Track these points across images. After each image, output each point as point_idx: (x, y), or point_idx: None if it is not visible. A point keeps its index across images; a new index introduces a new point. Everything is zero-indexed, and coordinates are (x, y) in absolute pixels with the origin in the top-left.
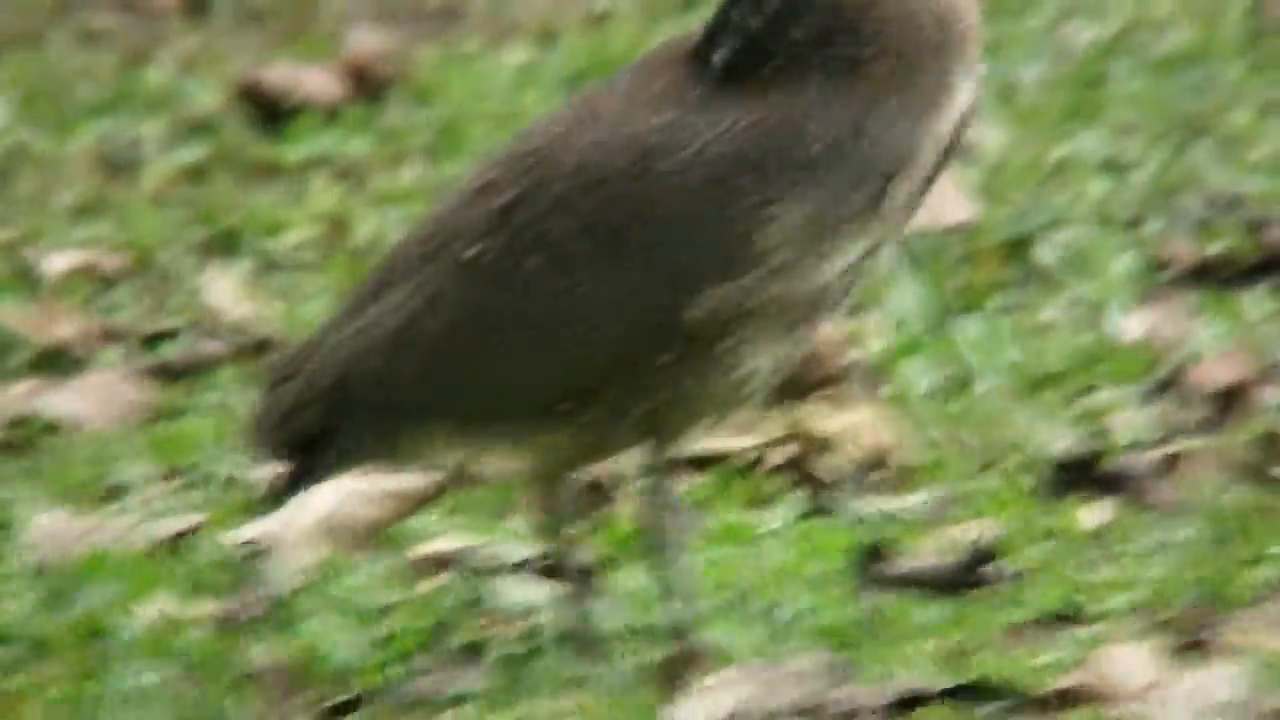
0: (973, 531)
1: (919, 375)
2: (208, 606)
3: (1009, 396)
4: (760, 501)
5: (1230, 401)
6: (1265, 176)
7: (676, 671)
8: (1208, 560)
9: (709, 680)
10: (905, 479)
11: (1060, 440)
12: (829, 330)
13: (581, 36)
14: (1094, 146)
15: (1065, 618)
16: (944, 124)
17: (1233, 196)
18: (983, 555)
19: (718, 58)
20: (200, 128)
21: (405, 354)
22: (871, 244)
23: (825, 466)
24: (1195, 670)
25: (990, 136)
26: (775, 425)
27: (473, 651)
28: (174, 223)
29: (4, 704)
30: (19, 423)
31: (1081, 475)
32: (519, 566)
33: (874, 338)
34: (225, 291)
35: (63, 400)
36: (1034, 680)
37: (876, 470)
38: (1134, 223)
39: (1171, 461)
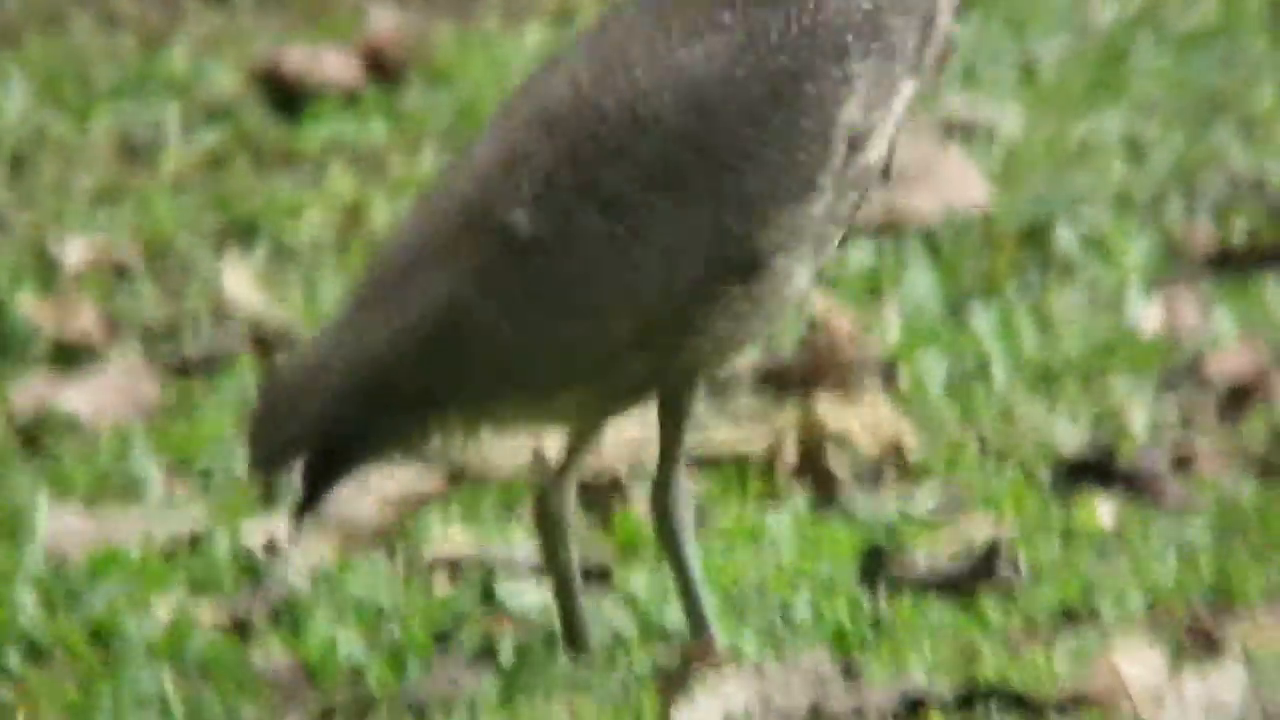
0: (984, 529)
1: (933, 367)
2: (218, 608)
3: (1022, 390)
4: (771, 499)
5: (1246, 393)
6: None
7: (684, 672)
8: (1219, 559)
9: (717, 680)
10: (917, 475)
11: (1074, 435)
12: (841, 322)
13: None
14: (1115, 125)
15: (1075, 617)
16: None
17: (1255, 179)
18: (994, 554)
19: None
20: (219, 112)
21: (451, 339)
22: (909, 101)
23: (836, 463)
24: (1205, 670)
25: (1009, 116)
26: (786, 421)
27: (483, 652)
28: (192, 209)
29: (16, 704)
30: (34, 419)
31: (1095, 471)
32: (529, 568)
33: (887, 329)
34: (242, 281)
35: (78, 395)
36: (1043, 681)
37: (888, 466)
38: (1153, 205)
39: (1185, 458)
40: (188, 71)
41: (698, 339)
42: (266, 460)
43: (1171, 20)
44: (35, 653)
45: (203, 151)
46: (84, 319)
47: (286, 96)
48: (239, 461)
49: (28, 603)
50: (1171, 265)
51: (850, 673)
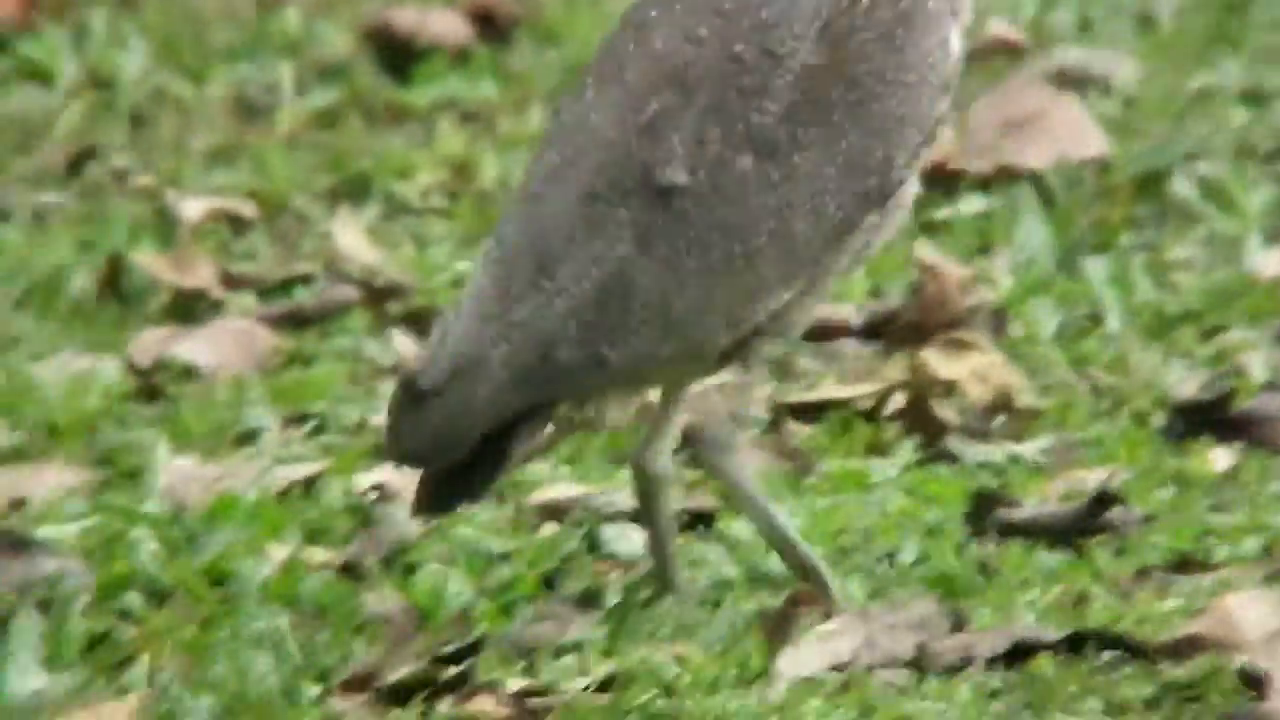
0: (1096, 477)
1: (1047, 316)
2: (331, 552)
3: (1139, 337)
4: (878, 448)
5: None
6: None
7: (790, 617)
8: None
9: (823, 627)
10: (1028, 424)
11: (1185, 384)
12: (951, 272)
13: None
14: (1233, 76)
15: (1189, 564)
16: None
17: None
18: (1105, 501)
19: None
20: (331, 72)
21: (620, 306)
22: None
23: (944, 411)
24: None
25: (1127, 66)
26: (895, 370)
27: (588, 597)
28: (305, 167)
29: (139, 643)
30: (152, 370)
31: (1209, 418)
32: (633, 515)
33: (996, 281)
34: (354, 237)
35: (196, 347)
36: (1154, 629)
37: (998, 415)
38: (1273, 156)
39: None
40: (301, 32)
41: (826, 276)
42: (425, 458)
43: None
44: (156, 595)
45: (316, 110)
46: (201, 273)
47: (397, 56)
48: (353, 410)
49: (148, 547)
50: None
51: (957, 619)
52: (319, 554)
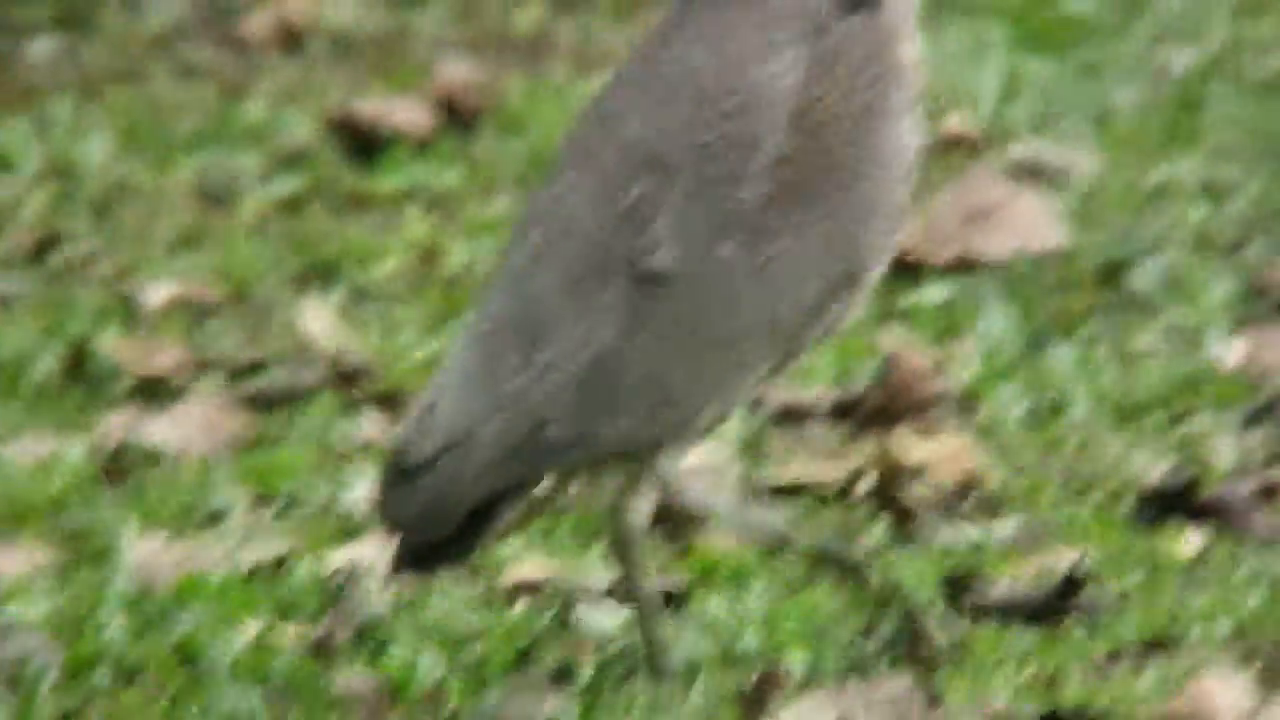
0: (1067, 558)
1: (1010, 403)
2: (300, 631)
3: (1103, 424)
4: (847, 530)
5: None
6: None
7: (762, 696)
8: None
9: (795, 706)
10: (995, 507)
11: (1155, 467)
12: (918, 358)
13: None
14: (1192, 171)
15: (1159, 647)
16: None
17: None
18: (1075, 583)
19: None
20: (295, 160)
21: (605, 386)
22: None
23: (912, 495)
24: None
25: (1085, 161)
26: (862, 453)
27: (561, 675)
28: (270, 253)
29: None
30: (119, 452)
31: (1177, 503)
32: (606, 592)
33: (964, 365)
34: (320, 321)
35: (161, 429)
36: (1129, 709)
37: (966, 498)
38: (1233, 248)
39: (1269, 490)
40: (265, 121)
41: (799, 352)
42: (412, 529)
43: (1247, 67)
44: (125, 673)
45: (280, 198)
46: (166, 357)
47: (361, 144)
48: (319, 492)
49: (117, 625)
50: (1253, 306)
51: (932, 697)
52: (289, 632)
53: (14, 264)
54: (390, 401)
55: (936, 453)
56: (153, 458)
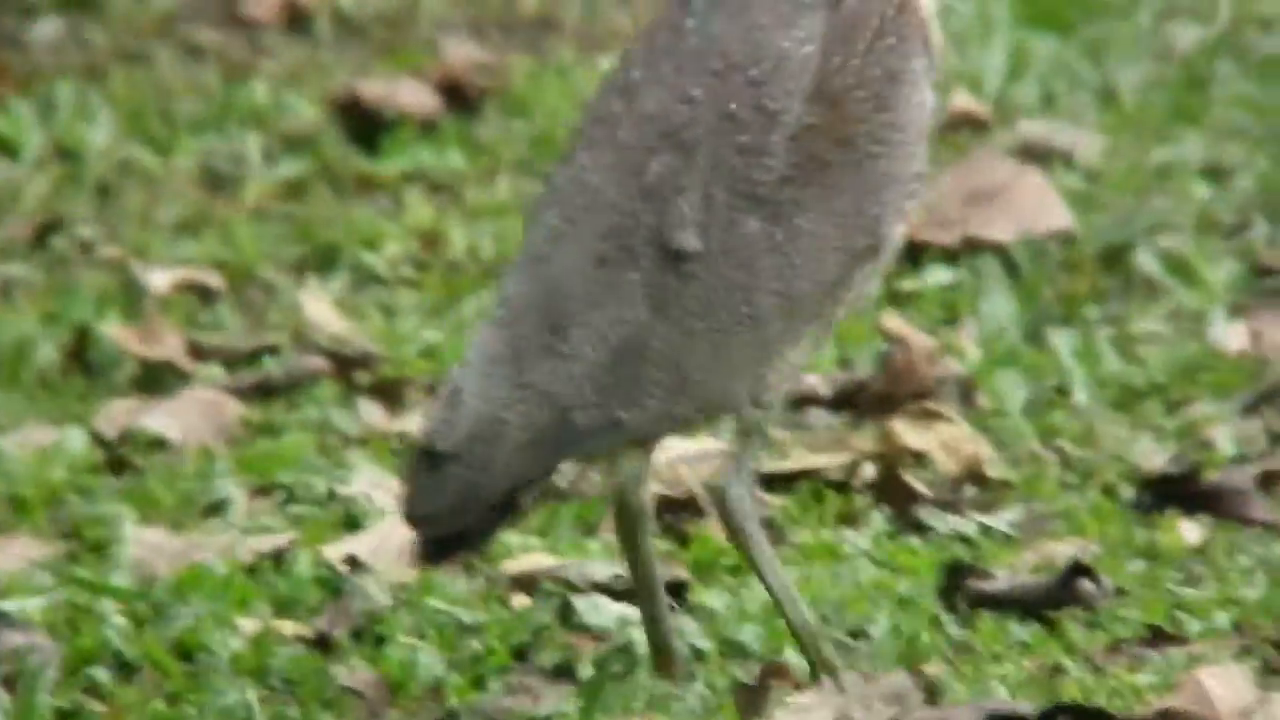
0: (1066, 549)
1: (1014, 388)
2: (301, 624)
3: (1106, 409)
4: (849, 519)
5: None
6: None
7: (763, 690)
8: None
9: (797, 699)
10: (997, 495)
11: (1152, 456)
12: (919, 343)
13: None
14: (1196, 151)
15: (1160, 637)
16: None
17: None
18: (1076, 573)
19: None
20: (299, 143)
21: (633, 369)
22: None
23: (911, 485)
24: None
25: (1090, 141)
26: (865, 441)
27: (561, 670)
28: (273, 238)
29: (106, 719)
30: (121, 440)
31: (1179, 491)
32: (606, 584)
33: (967, 350)
34: (322, 307)
35: (163, 418)
36: (1128, 702)
37: (968, 486)
38: (1236, 229)
39: (1268, 479)
40: (269, 103)
41: (828, 326)
42: (443, 521)
43: (1252, 45)
44: (124, 669)
45: (283, 181)
46: (168, 344)
47: (365, 127)
48: (322, 481)
49: (116, 620)
50: (1255, 288)
51: (931, 691)
52: (288, 626)
53: (16, 249)
54: (391, 390)
55: (937, 441)
56: (154, 447)
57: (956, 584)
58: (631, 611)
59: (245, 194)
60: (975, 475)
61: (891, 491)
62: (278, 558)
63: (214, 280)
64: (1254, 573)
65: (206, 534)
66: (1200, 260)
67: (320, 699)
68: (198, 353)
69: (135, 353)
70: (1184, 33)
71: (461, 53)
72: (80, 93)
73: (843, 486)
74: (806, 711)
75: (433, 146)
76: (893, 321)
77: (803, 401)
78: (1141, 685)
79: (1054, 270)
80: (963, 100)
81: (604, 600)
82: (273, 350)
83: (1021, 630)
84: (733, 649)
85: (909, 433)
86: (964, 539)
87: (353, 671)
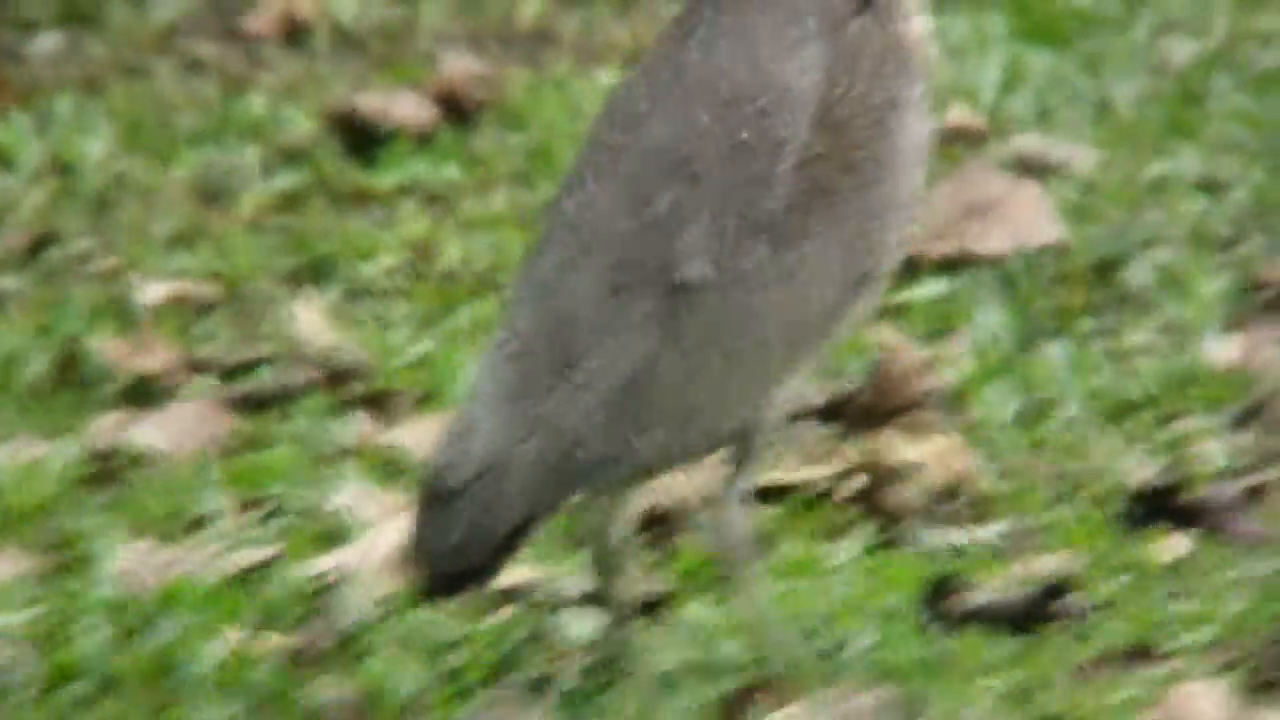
0: (1047, 564)
1: (1001, 402)
2: (279, 640)
3: (1093, 424)
4: (830, 533)
5: None
6: None
7: (742, 706)
8: None
9: (775, 716)
10: (981, 510)
11: (1142, 470)
12: (910, 355)
13: None
14: (1191, 165)
15: (1140, 654)
16: None
17: None
18: (1056, 589)
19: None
20: (296, 155)
21: (643, 400)
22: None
23: (898, 498)
24: (1273, 710)
25: (1083, 154)
26: (848, 455)
27: (542, 684)
28: (267, 250)
29: None
30: (107, 455)
31: (1161, 506)
32: (585, 600)
33: (955, 363)
34: (314, 319)
35: (149, 431)
36: (1109, 717)
37: (951, 501)
38: (1229, 244)
39: (1255, 493)
40: (266, 116)
41: (821, 355)
42: (452, 558)
43: (1248, 60)
44: (106, 683)
45: (279, 193)
46: (159, 357)
47: (361, 139)
48: (304, 495)
49: (99, 634)
50: (1248, 303)
51: (914, 706)
52: (271, 640)
53: (8, 263)
54: (382, 402)
55: (925, 454)
56: (143, 460)
57: (941, 597)
58: (610, 626)
59: (241, 206)
60: (964, 488)
61: (879, 504)
62: (263, 571)
63: (208, 292)
64: (1238, 587)
65: (193, 547)
66: (1194, 274)
67: (301, 713)
68: (190, 365)
69: (126, 366)
70: (1180, 47)
71: (459, 65)
72: (78, 106)
73: (830, 498)
74: None
75: (429, 159)
76: (885, 333)
77: (794, 413)
78: (1124, 700)
79: (1048, 283)
80: (958, 113)
81: (586, 613)
82: (265, 362)
83: (1004, 645)
84: (714, 664)
85: (898, 445)
86: (952, 551)
87: (333, 685)
